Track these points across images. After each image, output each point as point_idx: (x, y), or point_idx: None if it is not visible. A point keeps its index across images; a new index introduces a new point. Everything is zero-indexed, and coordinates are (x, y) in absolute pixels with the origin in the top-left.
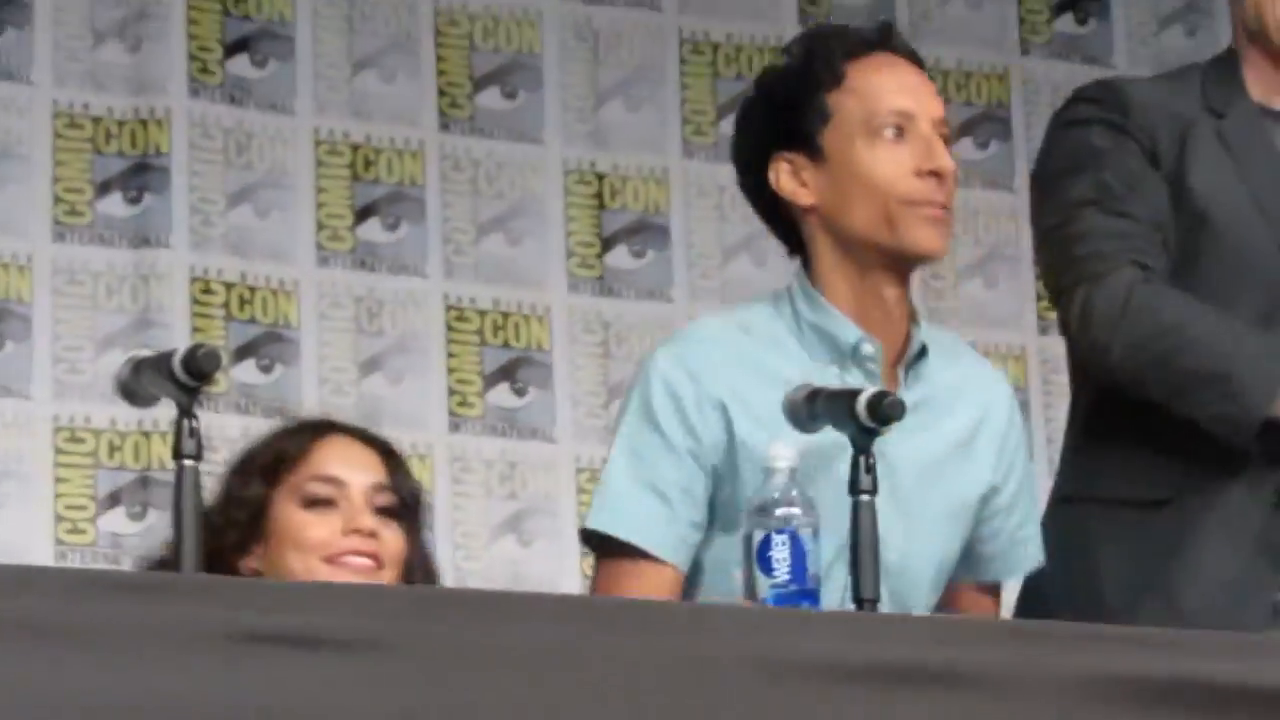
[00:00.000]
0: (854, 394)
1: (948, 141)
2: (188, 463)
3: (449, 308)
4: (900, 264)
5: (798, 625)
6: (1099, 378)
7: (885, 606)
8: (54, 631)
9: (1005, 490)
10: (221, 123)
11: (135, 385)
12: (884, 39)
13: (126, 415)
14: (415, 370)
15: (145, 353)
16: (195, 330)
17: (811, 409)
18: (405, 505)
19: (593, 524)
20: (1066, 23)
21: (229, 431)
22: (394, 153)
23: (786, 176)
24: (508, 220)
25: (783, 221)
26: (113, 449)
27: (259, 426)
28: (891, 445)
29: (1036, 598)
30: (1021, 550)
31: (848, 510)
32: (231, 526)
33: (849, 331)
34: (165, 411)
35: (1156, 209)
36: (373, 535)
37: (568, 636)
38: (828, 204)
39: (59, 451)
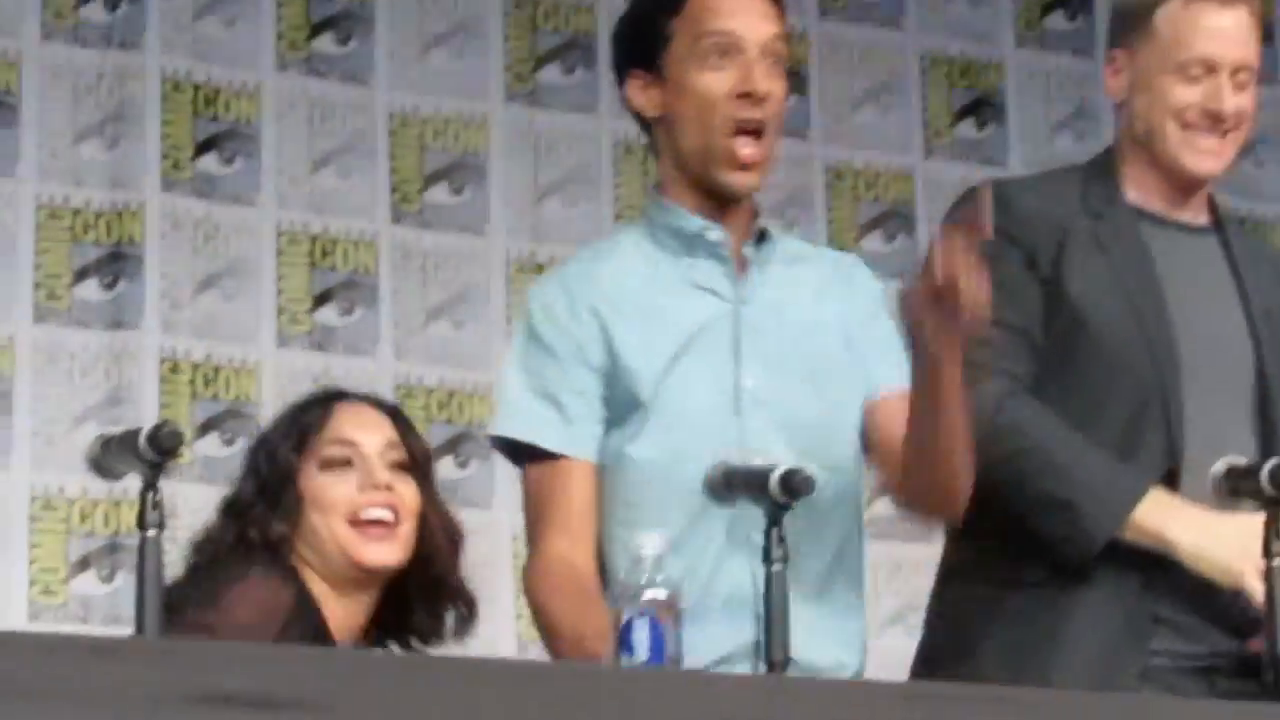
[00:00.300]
0: (766, 471)
1: (780, 60)
2: (150, 533)
3: (397, 386)
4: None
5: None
6: None
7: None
8: (22, 693)
9: (863, 318)
10: (191, 214)
11: (105, 461)
12: None
13: (98, 486)
14: None
15: (114, 430)
16: (163, 406)
17: (729, 485)
18: (416, 460)
19: (496, 430)
20: (967, 128)
21: (193, 501)
22: (349, 243)
23: (637, 91)
24: (454, 306)
25: (644, 132)
26: (84, 516)
27: (220, 495)
28: (754, 317)
29: (925, 671)
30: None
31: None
32: (265, 500)
33: (691, 222)
34: (135, 482)
35: (1028, 315)
36: (389, 489)
37: (516, 700)
38: (667, 119)
39: (34, 519)
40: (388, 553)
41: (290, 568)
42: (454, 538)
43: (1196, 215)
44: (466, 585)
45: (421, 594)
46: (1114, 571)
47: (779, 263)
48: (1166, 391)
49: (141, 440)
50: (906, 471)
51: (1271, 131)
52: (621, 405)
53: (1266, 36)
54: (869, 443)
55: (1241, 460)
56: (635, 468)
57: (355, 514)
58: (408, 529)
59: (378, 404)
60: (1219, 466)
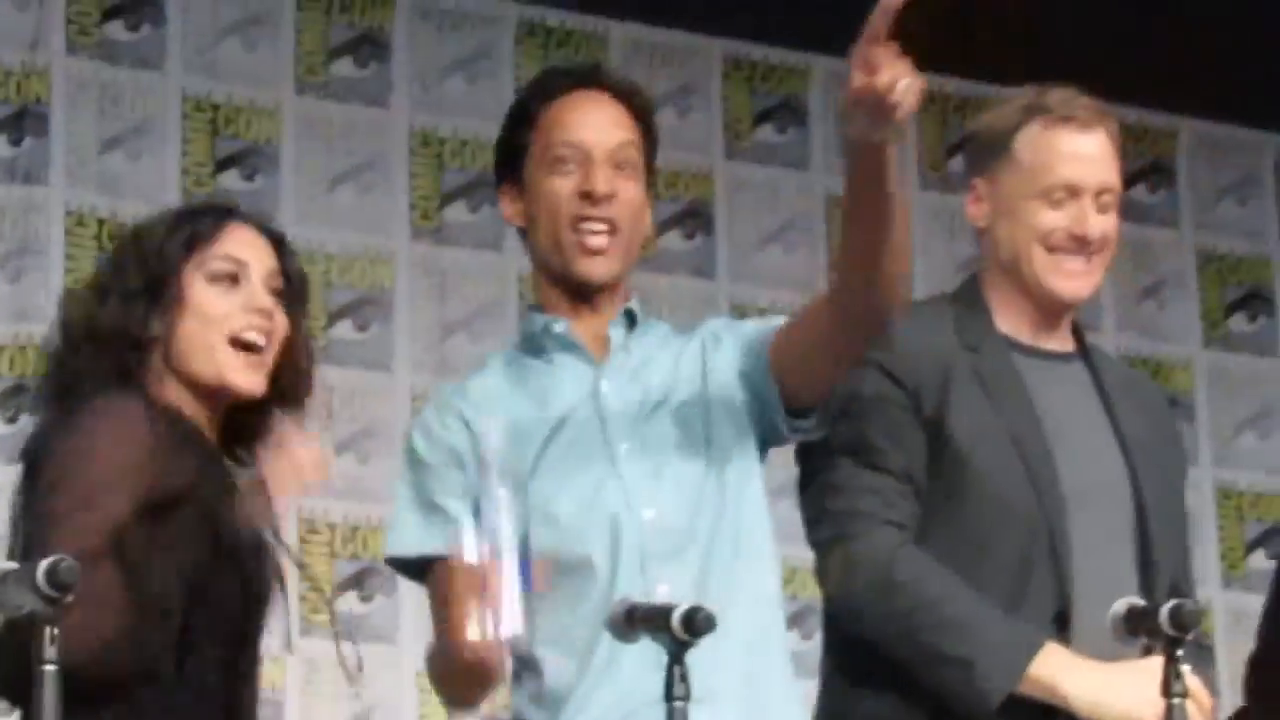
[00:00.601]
0: (668, 610)
1: (630, 164)
2: (48, 668)
3: (301, 520)
4: (569, 286)
5: None
6: (850, 632)
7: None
8: None
9: (726, 346)
10: None
11: (2, 595)
12: (585, 78)
13: None
14: None
15: (8, 566)
16: None
17: (630, 622)
18: (294, 288)
19: (390, 552)
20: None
21: None
22: None
23: (506, 203)
24: (360, 441)
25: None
26: None
27: None
28: (614, 392)
29: None
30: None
31: None
32: (137, 293)
33: (538, 321)
34: None
35: (912, 458)
36: (269, 316)
37: None
38: (529, 226)
39: None
40: (255, 382)
41: (139, 385)
42: (310, 363)
43: (1063, 343)
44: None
45: (270, 407)
46: None
47: (647, 341)
48: (1053, 528)
49: (39, 575)
50: (844, 279)
51: (1173, 274)
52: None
53: (1167, 181)
54: (780, 361)
55: (1140, 601)
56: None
57: (235, 333)
58: (271, 356)
59: (265, 229)
60: (1119, 606)
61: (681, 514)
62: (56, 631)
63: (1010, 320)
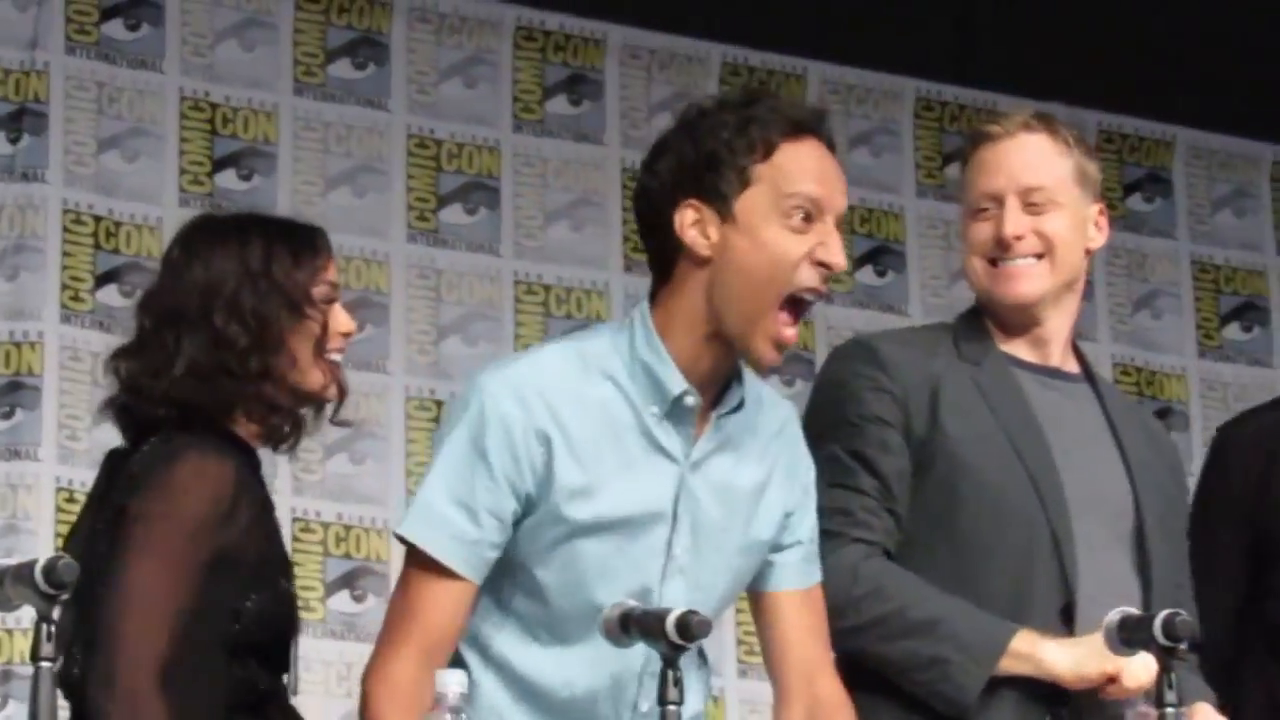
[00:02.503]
0: (663, 615)
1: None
2: (45, 665)
3: (294, 520)
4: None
5: None
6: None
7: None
8: None
9: (802, 509)
10: None
11: None
12: (817, 124)
13: None
14: None
15: (8, 562)
16: None
17: (625, 627)
18: None
19: (404, 531)
20: (867, 274)
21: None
22: None
23: (692, 224)
24: (353, 442)
25: (659, 252)
26: None
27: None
28: (698, 486)
29: None
30: (812, 562)
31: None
32: (282, 320)
33: (676, 383)
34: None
35: (888, 476)
36: (349, 335)
37: None
38: (721, 263)
39: None
40: (333, 390)
41: (226, 431)
42: None
43: (1066, 363)
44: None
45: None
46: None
47: (735, 431)
48: (1055, 527)
49: (36, 573)
50: None
51: (1167, 284)
52: (526, 530)
53: (1164, 190)
54: (768, 636)
55: (1134, 610)
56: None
57: (328, 351)
58: None
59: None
60: (1113, 616)
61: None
62: (53, 629)
63: (1010, 342)
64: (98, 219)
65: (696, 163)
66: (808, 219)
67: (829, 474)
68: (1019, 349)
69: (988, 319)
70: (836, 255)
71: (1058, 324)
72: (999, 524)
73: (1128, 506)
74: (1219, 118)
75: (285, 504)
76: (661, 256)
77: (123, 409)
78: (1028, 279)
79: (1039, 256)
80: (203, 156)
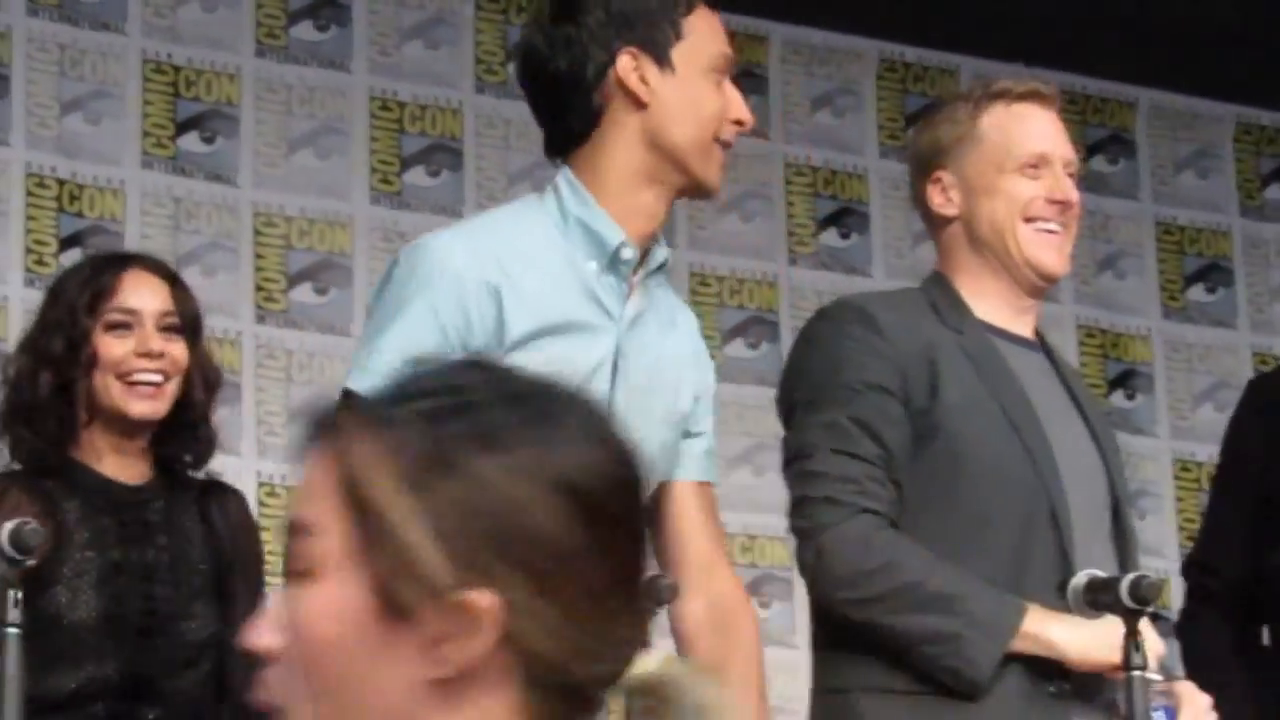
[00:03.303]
0: (1116, 580)
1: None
2: (10, 630)
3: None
4: (688, 188)
5: None
6: (835, 619)
7: None
8: None
9: (706, 401)
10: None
11: None
12: None
13: None
14: None
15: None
16: None
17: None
18: (186, 323)
19: (352, 384)
20: (830, 236)
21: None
22: (215, 341)
23: (630, 70)
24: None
25: (580, 109)
26: None
27: None
28: (630, 346)
29: None
30: (712, 459)
31: None
32: (62, 355)
33: (614, 234)
34: None
35: (891, 444)
36: (160, 356)
37: None
38: (658, 109)
39: None
40: (152, 407)
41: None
42: (211, 386)
43: (1028, 329)
44: (212, 428)
45: (180, 433)
46: (1024, 682)
47: (655, 298)
48: (1053, 498)
49: (4, 538)
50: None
51: (1131, 245)
52: None
53: (1127, 152)
54: (664, 527)
55: (1101, 573)
56: None
57: (128, 374)
58: (173, 385)
59: (158, 269)
60: (1080, 578)
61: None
62: (20, 595)
63: (985, 306)
64: (61, 182)
65: (632, 12)
66: (725, 74)
67: (830, 439)
68: (994, 317)
69: (964, 284)
70: (746, 114)
71: None
72: (999, 496)
73: (1100, 475)
74: (1182, 78)
75: (250, 469)
76: (584, 114)
77: None
78: (1063, 252)
79: (1062, 231)
80: (165, 119)
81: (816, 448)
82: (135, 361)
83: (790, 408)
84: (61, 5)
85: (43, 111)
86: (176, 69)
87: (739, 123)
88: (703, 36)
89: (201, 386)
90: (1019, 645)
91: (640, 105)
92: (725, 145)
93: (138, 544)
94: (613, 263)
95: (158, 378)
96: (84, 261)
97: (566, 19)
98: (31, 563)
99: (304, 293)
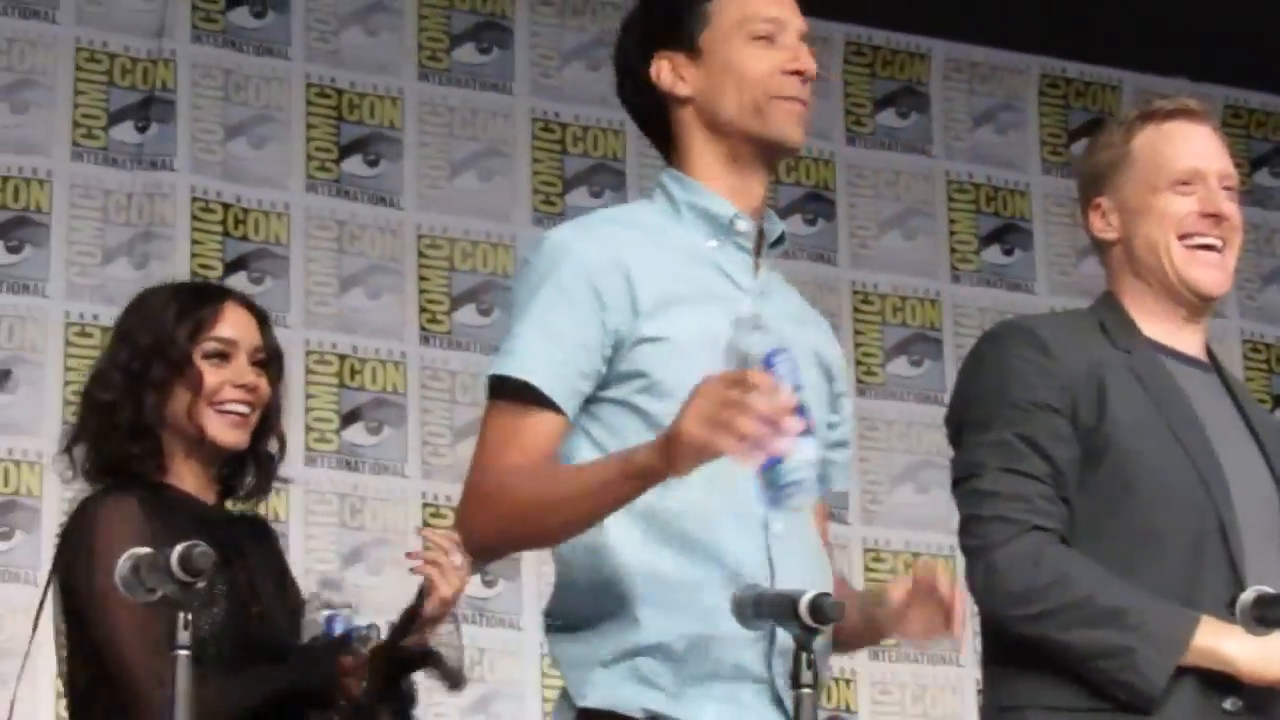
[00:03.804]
0: (795, 598)
1: (811, 53)
2: (181, 653)
3: (425, 505)
4: (766, 152)
5: None
6: (1006, 637)
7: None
8: None
9: (842, 411)
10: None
11: (136, 579)
12: None
13: None
14: None
15: (143, 551)
16: None
17: (757, 609)
18: (271, 359)
19: (494, 370)
20: (993, 253)
21: None
22: (378, 362)
23: (667, 72)
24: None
25: (655, 121)
26: None
27: None
28: (769, 310)
29: None
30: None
31: None
32: (164, 378)
33: (725, 207)
34: None
35: (1059, 462)
36: (254, 389)
37: None
38: (703, 96)
39: None
40: (241, 437)
41: (134, 474)
42: (279, 419)
43: (1198, 349)
44: (273, 455)
45: (252, 462)
46: (1198, 699)
47: (777, 275)
48: (1223, 517)
49: (173, 561)
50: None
51: (923, 203)
52: (622, 365)
53: (920, 105)
54: None
55: (1270, 590)
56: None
57: (222, 402)
58: (256, 416)
59: (250, 305)
60: (1248, 595)
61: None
62: (189, 617)
63: (1153, 326)
64: (226, 206)
65: (654, 20)
66: (769, 39)
67: (1000, 458)
68: (1163, 336)
69: (1132, 305)
70: (806, 61)
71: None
72: (1170, 514)
73: (1273, 498)
74: (979, 29)
75: (416, 488)
76: (660, 123)
77: None
78: (1223, 269)
79: (1221, 247)
80: (329, 143)
81: (986, 466)
82: (230, 391)
83: (959, 427)
84: (226, 31)
85: (207, 136)
86: (339, 93)
87: (797, 73)
88: (730, 8)
89: (277, 422)
90: (1191, 659)
91: (687, 100)
92: (790, 99)
93: (231, 566)
94: (730, 234)
95: (246, 409)
96: (166, 289)
97: (620, 45)
98: (201, 585)
99: (468, 314)
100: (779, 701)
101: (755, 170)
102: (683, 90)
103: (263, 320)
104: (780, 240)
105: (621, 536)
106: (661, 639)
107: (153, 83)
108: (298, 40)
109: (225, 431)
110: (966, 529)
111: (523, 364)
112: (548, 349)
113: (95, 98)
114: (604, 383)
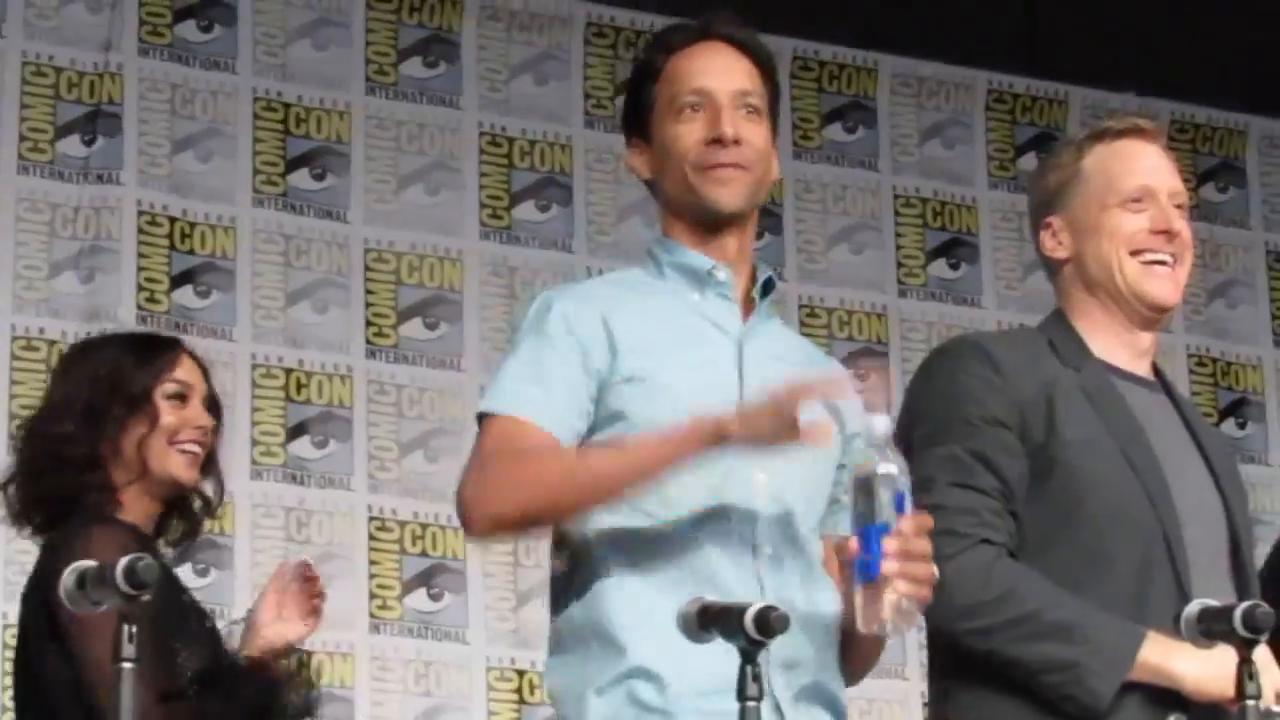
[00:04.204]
0: (742, 610)
1: (758, 113)
2: (126, 665)
3: (371, 519)
4: (709, 218)
5: None
6: (955, 649)
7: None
8: None
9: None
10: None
11: (80, 592)
12: (704, 30)
13: None
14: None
15: (88, 564)
16: None
17: (703, 623)
18: (217, 405)
19: (480, 408)
20: (940, 267)
21: None
22: (324, 376)
23: (634, 157)
24: (429, 439)
25: (653, 195)
26: None
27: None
28: (755, 352)
29: None
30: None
31: None
32: (123, 415)
33: (701, 260)
34: None
35: (1009, 477)
36: (208, 431)
37: None
38: (657, 177)
39: None
40: (194, 475)
41: (107, 512)
42: (217, 465)
43: (1148, 370)
44: (209, 499)
45: (190, 504)
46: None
47: (775, 322)
48: (1169, 535)
49: (118, 575)
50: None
51: (1243, 274)
52: (604, 408)
53: (1240, 181)
54: None
55: (1214, 602)
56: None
57: (181, 441)
58: (202, 455)
59: (197, 357)
60: (1192, 607)
61: (792, 486)
62: (134, 630)
63: (1102, 345)
64: (172, 220)
65: (627, 104)
66: (694, 109)
67: (949, 473)
68: (1112, 356)
69: (1082, 323)
70: (724, 126)
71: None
72: (1118, 532)
73: (1221, 518)
74: (926, 44)
75: (362, 501)
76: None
77: None
78: (1174, 283)
79: (1173, 263)
80: (276, 156)
81: (935, 481)
82: (189, 431)
83: (909, 443)
84: (173, 45)
85: (154, 150)
86: (287, 106)
87: (715, 141)
88: (667, 88)
89: (217, 467)
90: (1138, 675)
91: (650, 182)
92: (712, 167)
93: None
94: (711, 284)
95: (198, 449)
96: (117, 336)
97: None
98: (147, 598)
99: (414, 328)
100: (779, 712)
101: (710, 234)
102: (644, 174)
103: (205, 371)
104: (770, 287)
105: (607, 564)
106: (650, 664)
107: (99, 96)
108: (245, 54)
109: (183, 469)
110: None
111: (507, 401)
112: (533, 389)
113: (42, 111)
114: (591, 426)
